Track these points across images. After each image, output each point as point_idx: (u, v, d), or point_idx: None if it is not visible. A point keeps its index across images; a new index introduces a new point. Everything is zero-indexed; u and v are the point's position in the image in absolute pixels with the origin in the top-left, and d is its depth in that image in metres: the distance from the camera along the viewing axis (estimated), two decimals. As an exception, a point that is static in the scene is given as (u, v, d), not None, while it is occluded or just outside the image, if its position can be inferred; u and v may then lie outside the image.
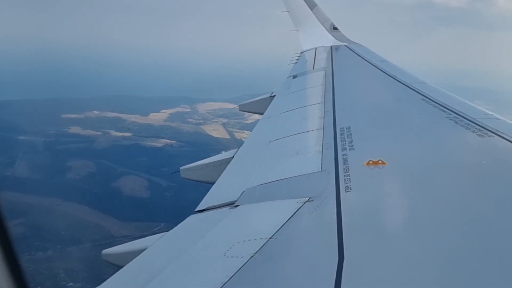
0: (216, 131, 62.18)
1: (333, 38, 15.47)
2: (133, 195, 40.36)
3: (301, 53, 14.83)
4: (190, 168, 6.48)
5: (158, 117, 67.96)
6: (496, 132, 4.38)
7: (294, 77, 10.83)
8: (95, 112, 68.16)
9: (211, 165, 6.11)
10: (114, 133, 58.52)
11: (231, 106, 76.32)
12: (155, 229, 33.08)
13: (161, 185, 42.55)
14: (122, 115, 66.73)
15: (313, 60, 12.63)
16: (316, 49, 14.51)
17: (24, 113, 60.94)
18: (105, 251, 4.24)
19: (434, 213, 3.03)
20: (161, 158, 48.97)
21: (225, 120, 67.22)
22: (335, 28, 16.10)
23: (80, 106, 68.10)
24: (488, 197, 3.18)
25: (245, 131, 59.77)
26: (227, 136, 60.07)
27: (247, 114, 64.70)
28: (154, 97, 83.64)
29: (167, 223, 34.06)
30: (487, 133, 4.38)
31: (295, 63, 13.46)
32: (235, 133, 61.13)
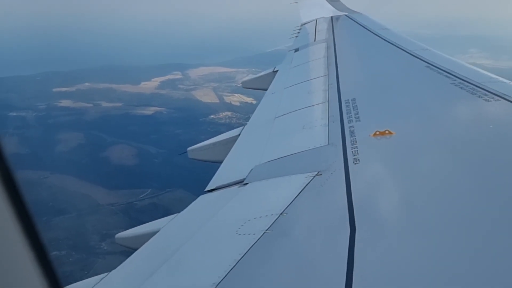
0: (206, 96, 61.79)
1: (333, 8, 15.07)
2: (121, 164, 40.43)
3: (301, 25, 14.44)
4: (197, 149, 6.53)
5: (149, 85, 67.48)
6: (503, 96, 4.29)
7: (296, 50, 10.63)
8: (86, 84, 67.71)
9: (218, 144, 6.12)
10: (105, 104, 58.34)
11: (223, 69, 75.75)
12: (141, 196, 33.57)
13: (150, 152, 42.70)
14: (113, 86, 66.27)
15: (314, 32, 12.28)
16: (316, 20, 14.08)
17: (14, 90, 60.68)
18: (118, 235, 4.29)
19: (444, 180, 2.97)
20: (150, 126, 49.07)
21: (216, 85, 66.77)
22: (334, -3, 15.61)
23: (71, 79, 67.54)
24: (498, 163, 3.11)
25: (235, 95, 59.53)
26: (217, 101, 59.82)
27: (238, 77, 64.23)
28: (146, 66, 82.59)
29: (154, 189, 34.53)
30: (493, 97, 4.28)
31: (296, 36, 13.13)
32: (224, 97, 60.77)
